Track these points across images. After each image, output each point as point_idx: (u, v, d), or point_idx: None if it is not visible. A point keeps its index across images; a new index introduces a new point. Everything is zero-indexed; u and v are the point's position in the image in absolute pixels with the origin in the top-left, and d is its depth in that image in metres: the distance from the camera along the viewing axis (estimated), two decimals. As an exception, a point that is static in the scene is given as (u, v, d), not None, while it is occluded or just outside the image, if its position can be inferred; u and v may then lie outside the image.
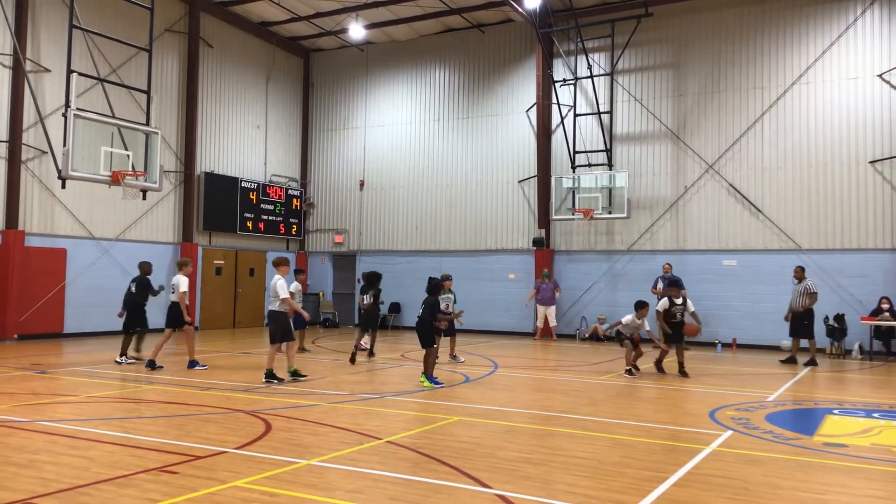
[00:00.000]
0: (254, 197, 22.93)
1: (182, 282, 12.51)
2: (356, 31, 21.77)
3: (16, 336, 16.38)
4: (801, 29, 18.54)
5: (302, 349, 15.37)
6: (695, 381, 12.15)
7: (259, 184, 23.14)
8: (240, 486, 5.46)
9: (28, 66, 16.55)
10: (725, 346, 18.18)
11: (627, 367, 12.70)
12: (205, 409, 8.67)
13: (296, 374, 11.16)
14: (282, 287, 10.83)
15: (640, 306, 12.74)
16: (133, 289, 13.58)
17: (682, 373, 12.55)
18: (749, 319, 18.40)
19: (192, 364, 12.42)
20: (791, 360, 15.06)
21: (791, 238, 18.19)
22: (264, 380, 10.84)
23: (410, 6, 21.07)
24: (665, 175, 19.85)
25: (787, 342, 15.78)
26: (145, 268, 13.79)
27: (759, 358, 16.18)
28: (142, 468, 5.91)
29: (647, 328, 12.86)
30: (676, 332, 12.83)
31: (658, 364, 13.05)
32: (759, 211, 18.58)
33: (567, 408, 9.29)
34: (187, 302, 12.59)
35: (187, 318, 12.52)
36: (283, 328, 10.92)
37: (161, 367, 12.35)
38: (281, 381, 10.86)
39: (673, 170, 19.76)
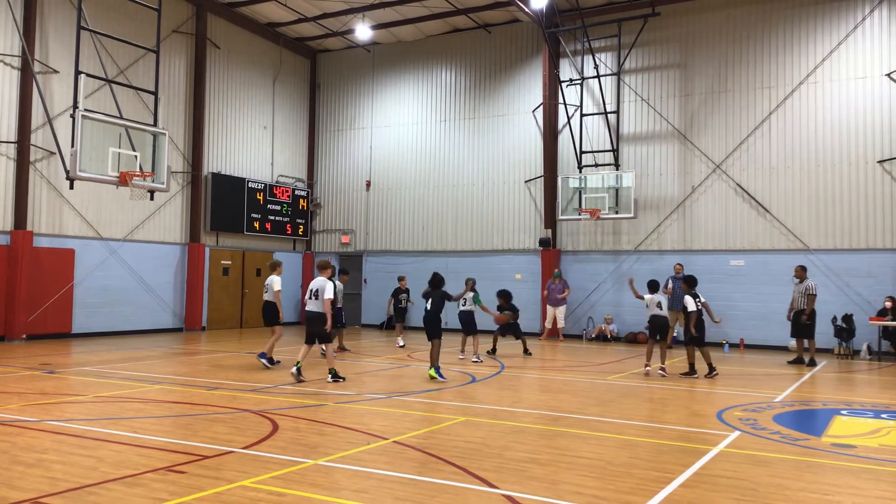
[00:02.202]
0: (260, 197, 22.98)
1: (276, 282, 12.86)
2: (363, 31, 21.79)
3: (24, 336, 16.45)
4: (808, 28, 18.47)
5: (342, 348, 15.82)
6: (702, 381, 12.11)
7: (266, 184, 23.19)
8: (247, 485, 5.47)
9: (36, 67, 16.62)
10: (733, 346, 18.12)
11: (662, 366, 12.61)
12: (212, 409, 8.69)
13: (299, 373, 11.08)
14: (330, 289, 11.02)
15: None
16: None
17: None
18: (756, 320, 18.34)
19: (264, 356, 12.74)
20: (798, 361, 15.01)
21: (798, 238, 18.12)
22: (330, 378, 10.96)
23: (417, 7, 21.08)
24: (672, 175, 19.80)
25: (794, 343, 15.73)
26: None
27: (766, 358, 16.13)
28: (149, 468, 5.92)
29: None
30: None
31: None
32: (767, 211, 18.52)
33: (574, 408, 9.27)
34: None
35: (281, 317, 12.99)
36: (324, 328, 11.08)
37: (278, 361, 12.94)
38: (343, 379, 11.05)
39: (680, 170, 19.72)
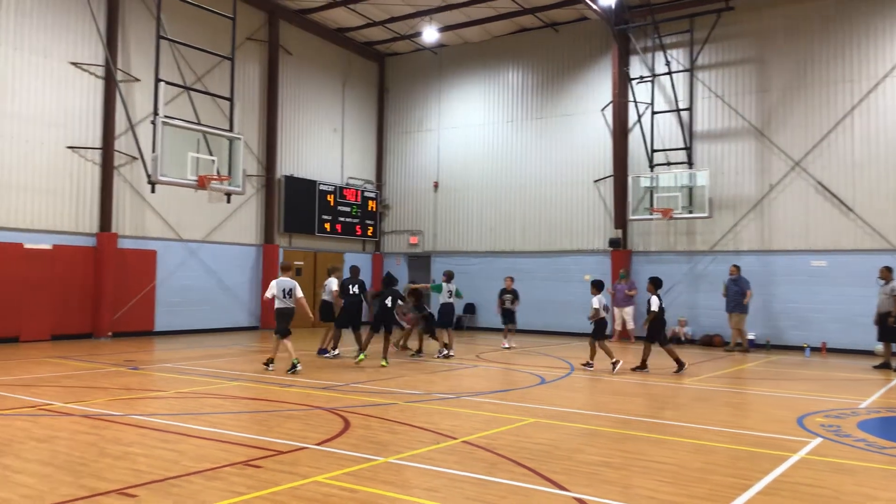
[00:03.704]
0: (331, 199, 23.40)
1: (333, 283, 14.10)
2: (429, 34, 21.93)
3: (110, 334, 17.20)
4: (891, 18, 17.61)
5: (405, 347, 15.74)
6: (782, 386, 11.72)
7: (336, 186, 23.60)
8: (320, 481, 5.58)
9: (119, 76, 17.35)
10: (814, 350, 17.45)
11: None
12: (286, 406, 8.89)
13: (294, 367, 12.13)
14: (298, 288, 12.39)
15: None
16: (356, 290, 14.26)
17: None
18: (839, 322, 17.59)
19: (324, 352, 14.36)
20: (885, 366, 14.34)
21: (884, 237, 17.30)
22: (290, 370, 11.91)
23: (484, 8, 21.09)
24: (748, 173, 19.21)
25: (880, 347, 15.03)
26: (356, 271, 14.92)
27: (850, 363, 15.46)
28: (228, 462, 6.11)
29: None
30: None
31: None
32: (850, 209, 17.76)
33: (647, 412, 9.10)
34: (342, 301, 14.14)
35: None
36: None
37: (337, 353, 14.28)
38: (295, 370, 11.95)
39: (757, 167, 19.11)
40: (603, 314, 13.20)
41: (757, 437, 7.68)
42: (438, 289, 15.02)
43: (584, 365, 13.37)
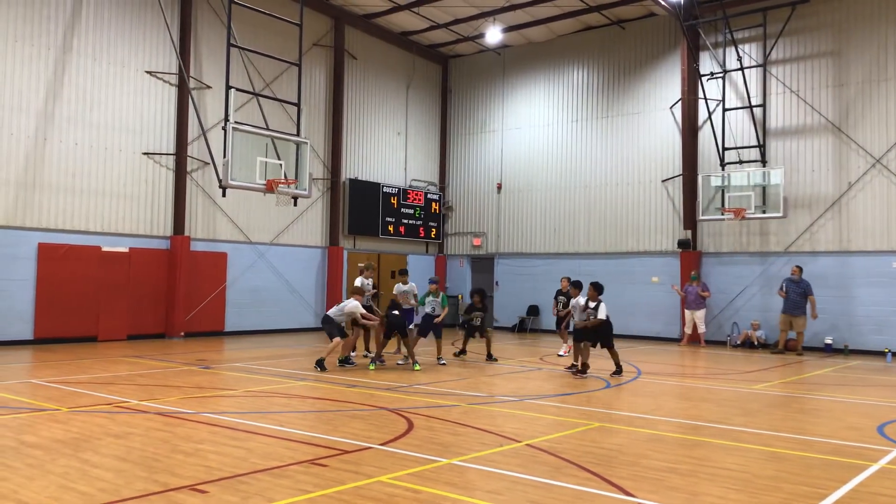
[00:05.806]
0: (394, 202, 23.60)
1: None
2: (493, 35, 21.87)
3: (182, 334, 17.77)
4: (985, 5, 16.70)
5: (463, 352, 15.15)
6: (861, 392, 11.22)
7: (399, 189, 23.79)
8: (385, 481, 5.62)
9: (191, 83, 17.90)
10: (896, 355, 16.68)
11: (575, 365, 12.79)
12: (351, 406, 9.00)
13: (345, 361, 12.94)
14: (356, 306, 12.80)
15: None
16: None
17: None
18: (924, 327, 16.76)
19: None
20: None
21: (975, 237, 16.41)
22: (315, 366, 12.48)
23: (548, 7, 20.92)
24: (825, 171, 18.49)
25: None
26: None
27: (936, 369, 14.70)
28: (294, 460, 6.22)
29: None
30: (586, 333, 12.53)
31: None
32: (936, 207, 16.90)
33: (717, 417, 8.85)
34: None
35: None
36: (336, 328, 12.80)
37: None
38: (325, 369, 12.33)
39: (834, 165, 18.37)
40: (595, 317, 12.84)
41: (833, 445, 7.38)
42: (444, 300, 14.38)
43: (576, 372, 12.51)
